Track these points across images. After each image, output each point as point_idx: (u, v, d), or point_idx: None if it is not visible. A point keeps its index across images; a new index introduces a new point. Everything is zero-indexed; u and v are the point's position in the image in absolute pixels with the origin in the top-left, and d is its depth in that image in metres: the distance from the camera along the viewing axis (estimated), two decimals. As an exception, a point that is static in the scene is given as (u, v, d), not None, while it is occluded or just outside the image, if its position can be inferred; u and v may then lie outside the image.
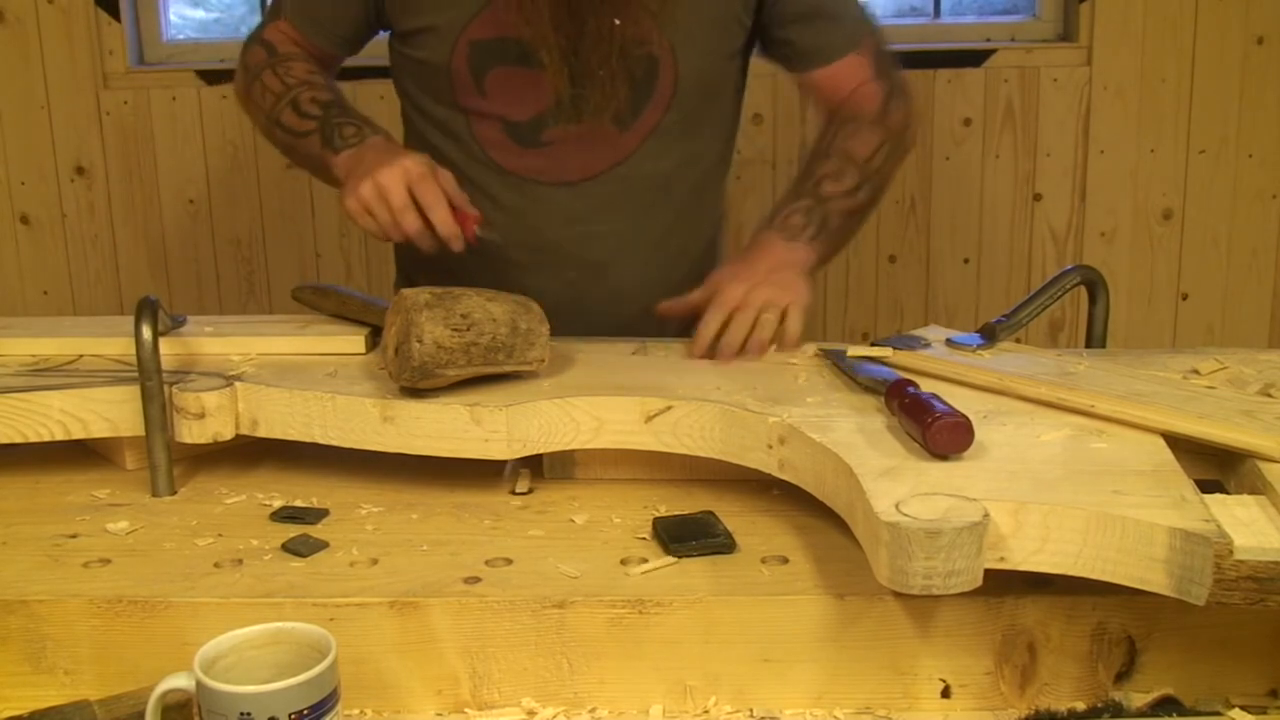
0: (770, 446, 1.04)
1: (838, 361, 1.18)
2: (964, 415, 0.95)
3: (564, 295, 1.38)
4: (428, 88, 1.48)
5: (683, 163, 1.50)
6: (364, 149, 1.35)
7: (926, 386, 1.09)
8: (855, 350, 1.20)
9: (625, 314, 1.45)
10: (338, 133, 1.38)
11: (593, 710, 0.91)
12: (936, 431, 0.94)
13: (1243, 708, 0.87)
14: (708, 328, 1.26)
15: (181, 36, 2.89)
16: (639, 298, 1.45)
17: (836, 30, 1.49)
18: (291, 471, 1.17)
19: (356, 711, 0.90)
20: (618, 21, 1.36)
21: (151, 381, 1.10)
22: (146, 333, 1.09)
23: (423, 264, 1.50)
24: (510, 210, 1.45)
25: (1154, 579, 0.83)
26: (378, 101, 2.73)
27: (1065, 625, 0.89)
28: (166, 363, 1.14)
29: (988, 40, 2.61)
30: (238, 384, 1.13)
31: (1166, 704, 0.88)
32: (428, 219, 1.26)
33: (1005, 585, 0.88)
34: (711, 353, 1.24)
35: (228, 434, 1.13)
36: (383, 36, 1.53)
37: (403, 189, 1.26)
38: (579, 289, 1.48)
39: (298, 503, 1.10)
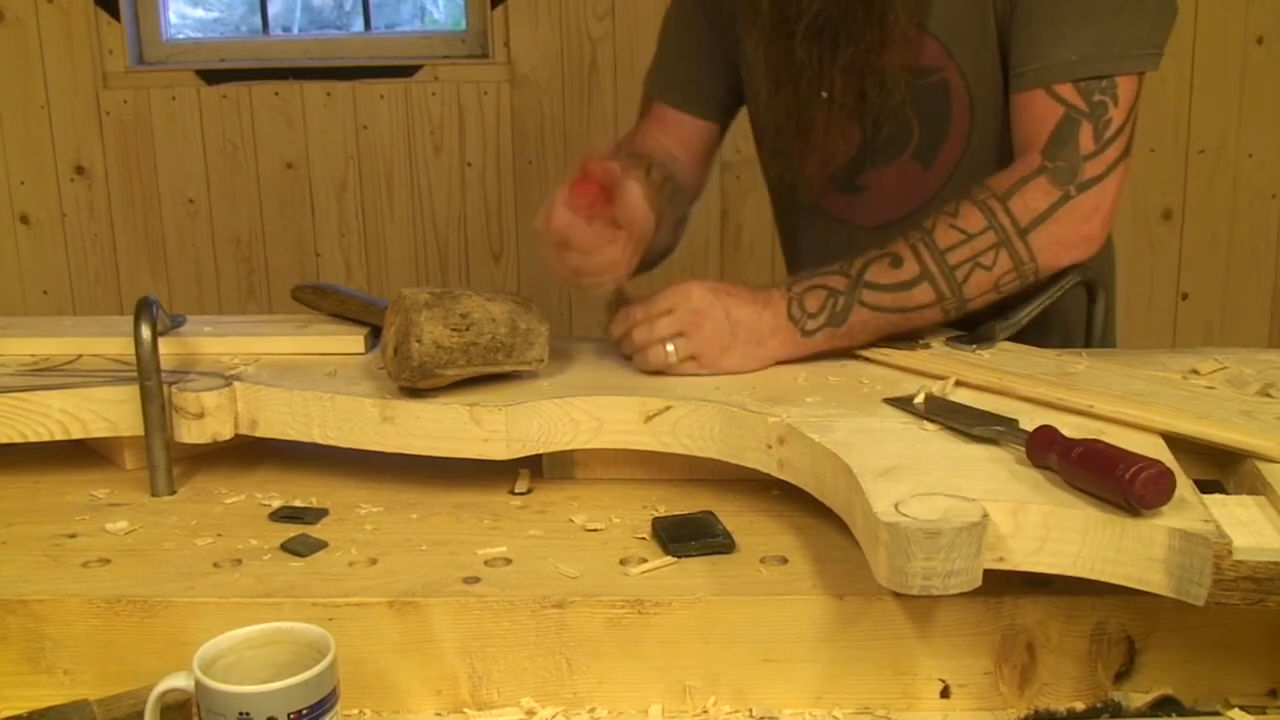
0: (769, 446, 1.04)
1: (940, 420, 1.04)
2: (1159, 462, 0.86)
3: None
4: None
5: None
6: None
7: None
8: (877, 353, 1.20)
9: None
10: None
11: (592, 710, 0.91)
12: (1144, 484, 0.84)
13: (1242, 708, 0.87)
14: (616, 328, 1.21)
15: (181, 36, 2.89)
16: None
17: (1046, 49, 1.21)
18: (291, 471, 1.17)
19: (355, 711, 0.90)
20: (825, 94, 1.28)
21: (151, 381, 1.10)
22: (146, 332, 1.09)
23: None
24: (834, 255, 1.27)
25: (1153, 579, 0.83)
26: (377, 100, 2.73)
27: (1064, 625, 0.89)
28: (166, 362, 1.14)
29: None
30: (237, 384, 1.13)
31: (1166, 704, 0.88)
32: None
33: (1004, 585, 0.88)
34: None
35: (227, 434, 1.13)
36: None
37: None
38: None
39: (297, 502, 1.10)
